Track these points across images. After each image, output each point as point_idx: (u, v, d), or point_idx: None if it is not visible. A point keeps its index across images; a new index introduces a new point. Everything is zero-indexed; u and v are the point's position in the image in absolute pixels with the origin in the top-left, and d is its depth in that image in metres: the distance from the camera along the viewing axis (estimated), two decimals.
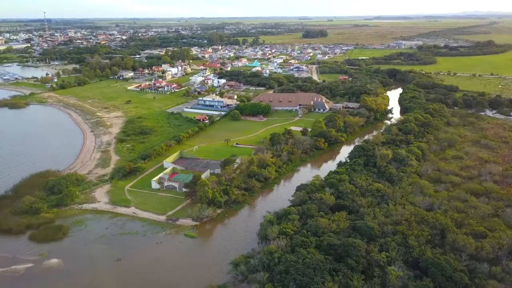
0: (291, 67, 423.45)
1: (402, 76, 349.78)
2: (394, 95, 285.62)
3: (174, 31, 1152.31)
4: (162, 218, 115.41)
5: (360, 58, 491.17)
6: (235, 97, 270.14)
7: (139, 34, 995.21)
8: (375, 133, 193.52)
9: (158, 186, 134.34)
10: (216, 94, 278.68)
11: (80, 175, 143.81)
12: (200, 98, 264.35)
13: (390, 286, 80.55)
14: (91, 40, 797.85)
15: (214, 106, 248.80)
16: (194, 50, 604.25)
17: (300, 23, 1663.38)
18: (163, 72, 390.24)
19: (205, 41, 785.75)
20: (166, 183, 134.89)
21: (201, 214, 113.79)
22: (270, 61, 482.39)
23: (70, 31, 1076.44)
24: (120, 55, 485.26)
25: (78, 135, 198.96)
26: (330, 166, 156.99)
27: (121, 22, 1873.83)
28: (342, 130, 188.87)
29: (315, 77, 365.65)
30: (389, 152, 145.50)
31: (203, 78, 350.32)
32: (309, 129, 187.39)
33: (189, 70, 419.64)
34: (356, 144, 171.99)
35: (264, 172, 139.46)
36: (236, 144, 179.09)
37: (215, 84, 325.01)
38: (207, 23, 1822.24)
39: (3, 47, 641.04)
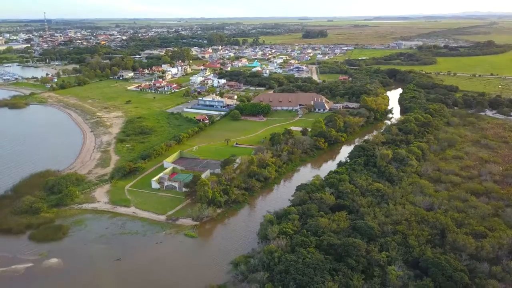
0: (291, 67, 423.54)
1: (402, 76, 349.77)
2: (394, 95, 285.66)
3: (174, 31, 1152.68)
4: (162, 218, 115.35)
5: (360, 58, 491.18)
6: (235, 97, 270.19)
7: (139, 35, 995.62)
8: (375, 133, 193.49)
9: (158, 186, 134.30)
10: (216, 94, 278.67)
11: (80, 175, 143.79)
12: (200, 98, 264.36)
13: (390, 286, 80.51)
14: (91, 40, 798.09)
15: (214, 106, 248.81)
16: (194, 50, 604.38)
17: (300, 24, 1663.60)
18: (163, 72, 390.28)
19: (205, 41, 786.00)
20: (166, 183, 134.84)
21: (201, 214, 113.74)
22: (270, 61, 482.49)
23: (70, 32, 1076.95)
24: (120, 55, 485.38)
25: (78, 135, 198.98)
26: (330, 166, 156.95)
27: (121, 23, 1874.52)
28: (342, 130, 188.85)
29: (315, 77, 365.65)
30: (389, 152, 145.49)
31: (203, 78, 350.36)
32: (309, 129, 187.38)
33: (189, 70, 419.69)
34: (356, 144, 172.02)
35: (264, 172, 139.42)
36: (236, 144, 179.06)
37: (215, 84, 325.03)
38: (207, 23, 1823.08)
39: (3, 47, 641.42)
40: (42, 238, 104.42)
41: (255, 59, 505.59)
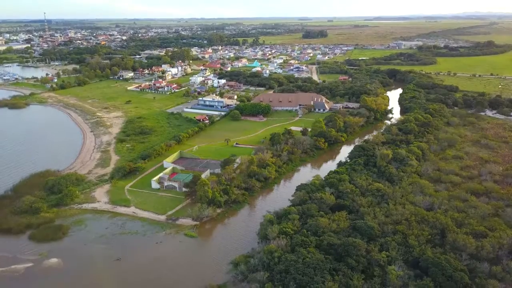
0: (291, 68, 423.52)
1: (402, 76, 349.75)
2: (394, 95, 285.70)
3: (174, 31, 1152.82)
4: (162, 217, 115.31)
5: (360, 58, 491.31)
6: (235, 97, 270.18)
7: (139, 35, 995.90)
8: (375, 133, 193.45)
9: (158, 186, 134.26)
10: (216, 94, 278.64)
11: (80, 175, 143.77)
12: (200, 98, 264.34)
13: (390, 286, 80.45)
14: (91, 41, 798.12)
15: (214, 106, 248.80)
16: (194, 51, 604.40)
17: (300, 24, 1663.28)
18: (163, 72, 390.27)
19: (205, 42, 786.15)
20: (166, 183, 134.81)
21: (201, 213, 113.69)
22: (270, 62, 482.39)
23: (70, 32, 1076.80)
24: (120, 56, 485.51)
25: (78, 135, 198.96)
26: (330, 166, 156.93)
27: (121, 23, 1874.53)
28: (342, 130, 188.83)
29: (315, 77, 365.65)
30: (389, 152, 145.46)
31: (203, 79, 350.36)
32: (309, 129, 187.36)
33: (189, 70, 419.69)
34: (356, 144, 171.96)
35: (264, 172, 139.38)
36: (236, 144, 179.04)
37: (215, 84, 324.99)
38: (207, 23, 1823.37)
39: (3, 48, 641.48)
40: (42, 238, 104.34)
41: (255, 59, 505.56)
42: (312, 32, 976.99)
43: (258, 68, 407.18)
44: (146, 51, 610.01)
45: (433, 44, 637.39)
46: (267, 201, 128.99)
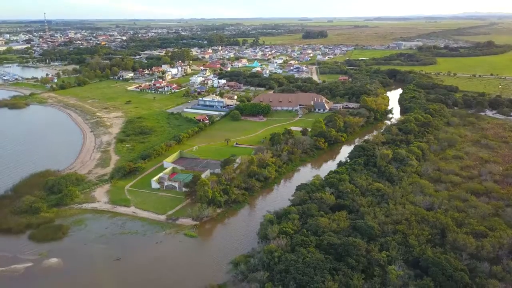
0: (291, 68, 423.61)
1: (402, 77, 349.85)
2: (394, 96, 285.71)
3: (174, 32, 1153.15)
4: (162, 217, 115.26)
5: (360, 58, 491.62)
6: (235, 97, 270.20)
7: (139, 35, 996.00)
8: (375, 133, 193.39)
9: (158, 186, 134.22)
10: (216, 95, 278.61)
11: (80, 174, 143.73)
12: (200, 99, 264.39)
13: (390, 285, 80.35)
14: (91, 41, 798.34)
15: (214, 106, 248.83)
16: (194, 51, 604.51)
17: (300, 24, 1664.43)
18: (163, 72, 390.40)
19: (205, 42, 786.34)
20: (166, 183, 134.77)
21: (201, 213, 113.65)
22: (270, 62, 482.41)
23: (70, 32, 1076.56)
24: (120, 56, 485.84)
25: (78, 135, 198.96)
26: (330, 166, 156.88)
27: (121, 23, 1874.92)
28: (342, 130, 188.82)
29: (315, 77, 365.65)
30: (389, 152, 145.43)
31: (203, 79, 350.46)
32: (309, 129, 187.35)
33: (189, 70, 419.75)
34: (356, 144, 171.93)
35: (264, 171, 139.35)
36: (236, 144, 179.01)
37: (215, 85, 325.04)
38: (207, 24, 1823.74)
39: (3, 48, 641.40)
40: (42, 237, 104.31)
41: (255, 59, 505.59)
42: (312, 33, 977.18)
43: (258, 69, 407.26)
44: (146, 52, 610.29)
45: (433, 45, 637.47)
46: (267, 201, 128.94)
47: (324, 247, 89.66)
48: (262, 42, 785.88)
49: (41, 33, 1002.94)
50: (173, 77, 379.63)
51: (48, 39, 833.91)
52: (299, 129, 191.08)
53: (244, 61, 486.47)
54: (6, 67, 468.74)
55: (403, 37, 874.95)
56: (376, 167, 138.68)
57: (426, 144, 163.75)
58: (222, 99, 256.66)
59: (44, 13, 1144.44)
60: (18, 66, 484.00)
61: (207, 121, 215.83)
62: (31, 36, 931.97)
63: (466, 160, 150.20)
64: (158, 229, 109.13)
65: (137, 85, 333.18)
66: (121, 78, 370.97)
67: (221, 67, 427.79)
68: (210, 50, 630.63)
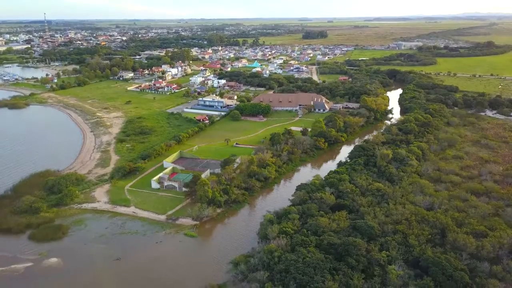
0: (291, 68, 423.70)
1: (402, 77, 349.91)
2: (394, 96, 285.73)
3: (174, 32, 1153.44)
4: (162, 217, 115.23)
5: (360, 58, 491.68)
6: (235, 97, 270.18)
7: (139, 35, 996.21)
8: (375, 133, 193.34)
9: (158, 186, 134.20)
10: (216, 95, 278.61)
11: (80, 174, 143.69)
12: (200, 99, 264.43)
13: (390, 285, 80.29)
14: (91, 41, 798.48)
15: (214, 107, 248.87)
16: (194, 51, 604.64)
17: (300, 24, 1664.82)
18: (163, 72, 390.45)
19: (205, 42, 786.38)
20: (166, 183, 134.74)
21: (201, 213, 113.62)
22: (270, 62, 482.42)
23: (70, 32, 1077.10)
24: (120, 56, 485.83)
25: (78, 135, 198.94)
26: (330, 166, 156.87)
27: (121, 23, 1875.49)
28: (342, 130, 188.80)
29: (315, 77, 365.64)
30: (389, 152, 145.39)
31: (203, 79, 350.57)
32: (309, 129, 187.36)
33: (189, 70, 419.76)
34: (356, 144, 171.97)
35: (264, 171, 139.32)
36: (236, 144, 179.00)
37: (215, 85, 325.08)
38: (207, 24, 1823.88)
39: (3, 48, 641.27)
40: (42, 237, 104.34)
41: (255, 59, 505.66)
42: (312, 33, 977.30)
43: (258, 69, 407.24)
44: (146, 52, 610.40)
45: (433, 45, 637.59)
46: (267, 201, 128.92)
47: (324, 247, 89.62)
48: (262, 42, 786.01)
49: (41, 33, 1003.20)
50: (173, 77, 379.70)
51: (48, 39, 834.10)
52: (299, 129, 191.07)
53: (244, 61, 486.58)
54: (6, 67, 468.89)
55: (403, 37, 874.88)
56: (376, 167, 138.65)
57: (426, 144, 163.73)
58: (222, 99, 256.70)
59: (44, 13, 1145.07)
60: (18, 66, 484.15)
61: (207, 121, 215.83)
62: (31, 36, 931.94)
63: (466, 160, 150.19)
64: (158, 229, 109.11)
65: (137, 85, 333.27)
66: (121, 78, 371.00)
67: (221, 67, 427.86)
68: (210, 50, 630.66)
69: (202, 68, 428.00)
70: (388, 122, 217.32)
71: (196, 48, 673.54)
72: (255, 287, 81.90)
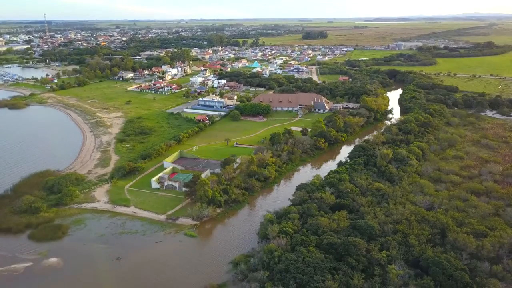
0: (291, 68, 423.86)
1: (402, 77, 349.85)
2: (394, 96, 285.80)
3: (174, 32, 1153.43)
4: (162, 217, 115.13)
5: (360, 59, 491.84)
6: (235, 97, 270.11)
7: (139, 36, 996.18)
8: (375, 133, 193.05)
9: (158, 186, 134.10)
10: (216, 95, 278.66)
11: (80, 174, 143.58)
12: (200, 99, 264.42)
13: (390, 285, 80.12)
14: (91, 42, 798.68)
15: (214, 107, 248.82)
16: (194, 51, 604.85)
17: (300, 25, 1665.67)
18: (163, 73, 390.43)
19: (205, 42, 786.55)
20: (166, 183, 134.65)
21: (201, 213, 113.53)
22: (270, 62, 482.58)
23: (70, 33, 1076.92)
24: (120, 56, 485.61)
25: (78, 135, 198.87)
26: (330, 165, 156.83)
27: (121, 24, 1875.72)
28: (342, 130, 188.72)
29: (315, 78, 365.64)
30: (389, 151, 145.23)
31: (203, 79, 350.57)
32: (309, 129, 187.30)
33: (189, 71, 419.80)
34: (356, 144, 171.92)
35: (264, 171, 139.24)
36: (236, 144, 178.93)
37: (215, 85, 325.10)
38: (207, 24, 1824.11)
39: (3, 49, 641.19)
40: (41, 237, 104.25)
41: (255, 60, 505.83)
42: (312, 33, 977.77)
43: (258, 69, 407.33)
44: (146, 52, 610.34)
45: (433, 45, 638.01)
46: (267, 200, 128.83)
47: (324, 247, 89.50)
48: (262, 43, 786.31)
49: (41, 34, 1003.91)
50: (173, 78, 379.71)
51: (48, 40, 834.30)
52: (299, 129, 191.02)
53: (244, 61, 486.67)
54: (6, 67, 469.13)
55: (403, 37, 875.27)
56: (376, 167, 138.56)
57: (426, 144, 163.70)
58: (222, 99, 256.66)
59: (44, 14, 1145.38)
60: (18, 66, 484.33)
61: (207, 121, 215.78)
62: (31, 36, 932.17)
63: (466, 160, 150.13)
64: (158, 229, 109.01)
65: (137, 86, 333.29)
66: (121, 79, 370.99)
67: (221, 68, 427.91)
68: (210, 51, 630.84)
69: (202, 68, 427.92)
70: (388, 122, 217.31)
71: (196, 48, 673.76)
72: (255, 286, 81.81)
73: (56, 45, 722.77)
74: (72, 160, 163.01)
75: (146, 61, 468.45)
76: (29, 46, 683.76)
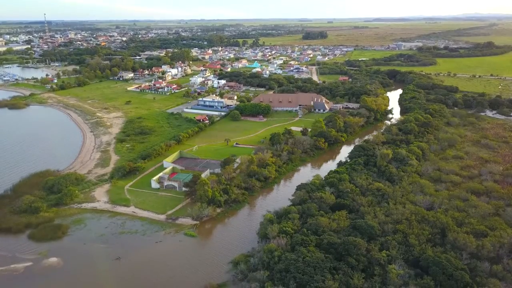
0: (291, 68, 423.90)
1: (402, 77, 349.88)
2: (394, 96, 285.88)
3: (174, 32, 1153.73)
4: (162, 217, 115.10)
5: (360, 59, 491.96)
6: (235, 97, 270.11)
7: (139, 36, 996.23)
8: (375, 133, 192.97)
9: (158, 186, 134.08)
10: (216, 95, 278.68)
11: (80, 174, 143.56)
12: (200, 99, 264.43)
13: (390, 285, 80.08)
14: (91, 42, 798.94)
15: (214, 107, 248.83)
16: (194, 52, 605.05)
17: (300, 25, 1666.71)
18: (163, 73, 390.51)
19: (205, 43, 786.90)
20: (166, 183, 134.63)
21: (201, 213, 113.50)
22: (270, 62, 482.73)
23: (70, 33, 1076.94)
24: (120, 56, 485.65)
25: (77, 135, 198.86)
26: (330, 165, 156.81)
27: (121, 24, 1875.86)
28: (342, 130, 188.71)
29: (315, 78, 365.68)
30: (389, 151, 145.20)
31: (203, 79, 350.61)
32: (309, 129, 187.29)
33: (189, 71, 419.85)
34: (356, 144, 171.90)
35: (264, 171, 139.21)
36: (236, 144, 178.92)
37: (215, 85, 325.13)
38: (207, 25, 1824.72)
39: (3, 49, 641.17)
40: (41, 237, 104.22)
41: (255, 60, 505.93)
42: (312, 33, 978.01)
43: (258, 69, 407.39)
44: (146, 52, 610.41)
45: (433, 45, 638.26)
46: (267, 200, 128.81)
47: (324, 247, 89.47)
48: (262, 43, 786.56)
49: (41, 34, 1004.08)
50: (173, 78, 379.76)
51: (48, 40, 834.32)
52: (299, 129, 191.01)
53: (244, 61, 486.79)
54: (6, 67, 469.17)
55: (403, 37, 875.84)
56: (376, 167, 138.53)
57: (426, 144, 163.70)
58: (222, 100, 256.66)
59: (44, 14, 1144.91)
60: (18, 66, 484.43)
61: (207, 121, 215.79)
62: (31, 36, 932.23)
63: (466, 160, 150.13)
64: (157, 229, 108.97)
65: (137, 86, 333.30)
66: (121, 79, 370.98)
67: (221, 68, 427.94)
68: (210, 51, 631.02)
69: (202, 68, 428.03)
70: (388, 122, 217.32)
71: (196, 48, 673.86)
72: (255, 286, 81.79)
73: (56, 45, 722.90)
74: (72, 160, 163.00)
75: (146, 61, 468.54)
76: (29, 46, 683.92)
